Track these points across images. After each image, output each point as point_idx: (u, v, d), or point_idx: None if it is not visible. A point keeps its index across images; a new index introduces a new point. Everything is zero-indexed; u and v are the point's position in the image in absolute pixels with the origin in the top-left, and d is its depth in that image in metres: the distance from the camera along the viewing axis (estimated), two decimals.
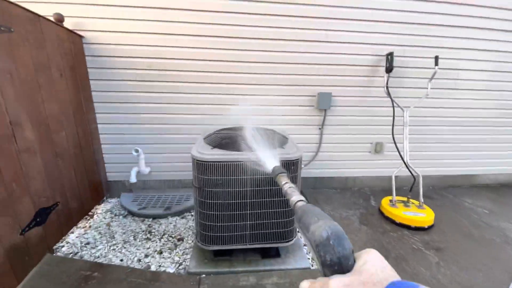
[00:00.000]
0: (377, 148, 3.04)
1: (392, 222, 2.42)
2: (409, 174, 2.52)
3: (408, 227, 2.35)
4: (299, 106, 2.78)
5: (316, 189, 3.10)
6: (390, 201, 2.60)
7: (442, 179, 3.31)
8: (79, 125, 2.24)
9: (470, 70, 2.90)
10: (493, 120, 3.14)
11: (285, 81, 2.67)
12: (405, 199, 2.61)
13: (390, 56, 2.67)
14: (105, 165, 2.68)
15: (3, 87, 1.47)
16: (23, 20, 1.64)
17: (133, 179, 2.58)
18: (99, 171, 2.59)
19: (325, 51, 2.64)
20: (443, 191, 3.22)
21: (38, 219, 1.72)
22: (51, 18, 1.97)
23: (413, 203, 2.57)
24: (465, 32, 2.76)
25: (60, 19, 2.05)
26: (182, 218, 2.47)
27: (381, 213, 2.58)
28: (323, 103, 2.73)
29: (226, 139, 1.72)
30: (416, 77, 2.83)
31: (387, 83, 2.67)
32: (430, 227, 2.36)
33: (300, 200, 0.55)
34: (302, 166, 2.19)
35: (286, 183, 0.68)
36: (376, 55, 2.73)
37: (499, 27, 2.79)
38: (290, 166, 1.56)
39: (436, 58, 2.61)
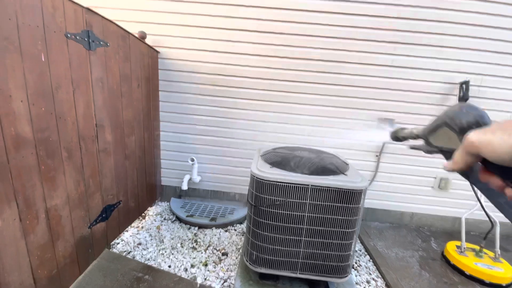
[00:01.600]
0: (442, 184, 2.72)
1: (461, 272, 2.09)
2: (480, 218, 2.18)
3: (480, 282, 2.01)
4: (358, 130, 2.65)
5: (367, 221, 2.87)
6: (458, 247, 2.27)
7: None
8: (146, 130, 2.43)
9: None
10: None
11: (345, 104, 2.59)
12: (477, 247, 2.25)
13: (465, 85, 2.43)
14: (161, 169, 2.85)
15: (95, 94, 1.66)
16: (117, 36, 1.86)
17: (184, 186, 2.69)
18: (156, 175, 2.75)
19: (390, 75, 2.50)
20: None
21: (104, 215, 1.86)
22: (136, 35, 2.22)
23: (486, 253, 2.21)
24: None
25: (143, 36, 2.30)
26: (226, 231, 2.46)
27: (446, 260, 2.25)
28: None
29: (285, 158, 1.69)
30: (495, 110, 2.52)
31: None
32: (508, 286, 1.99)
33: None
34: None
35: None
36: (447, 82, 2.51)
37: None
38: (353, 197, 1.45)
39: None
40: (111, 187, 1.94)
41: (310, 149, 1.98)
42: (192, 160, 2.60)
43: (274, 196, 1.48)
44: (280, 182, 1.45)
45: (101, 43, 1.68)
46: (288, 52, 2.49)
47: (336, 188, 1.43)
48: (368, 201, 2.80)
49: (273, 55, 2.51)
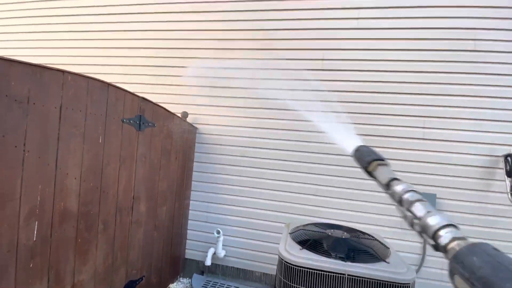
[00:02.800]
0: None
1: None
2: None
3: None
4: (393, 204, 2.46)
5: None
6: None
7: None
8: (177, 200, 2.50)
9: None
10: None
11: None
12: None
13: (510, 158, 2.26)
14: (187, 241, 2.79)
15: (137, 168, 1.82)
16: (163, 117, 2.14)
17: (208, 261, 2.55)
18: (181, 246, 2.69)
19: (422, 148, 2.44)
20: None
21: None
22: (179, 115, 2.53)
23: None
24: None
25: (185, 115, 2.61)
26: None
27: None
28: None
29: (317, 238, 1.58)
30: None
31: (511, 189, 2.17)
32: None
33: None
34: None
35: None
36: (490, 155, 2.35)
37: None
38: None
39: None
40: (137, 260, 1.91)
41: (344, 227, 1.85)
42: (218, 232, 2.54)
43: (306, 286, 1.32)
44: (313, 269, 1.32)
45: (149, 124, 1.93)
46: (308, 126, 2.61)
47: (377, 280, 1.26)
48: None
49: (295, 129, 2.64)
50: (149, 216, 2.03)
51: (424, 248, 2.37)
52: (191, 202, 2.79)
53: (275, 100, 2.68)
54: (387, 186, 0.62)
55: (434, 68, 2.46)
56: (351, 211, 2.54)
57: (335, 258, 1.42)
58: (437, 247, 0.43)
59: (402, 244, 2.43)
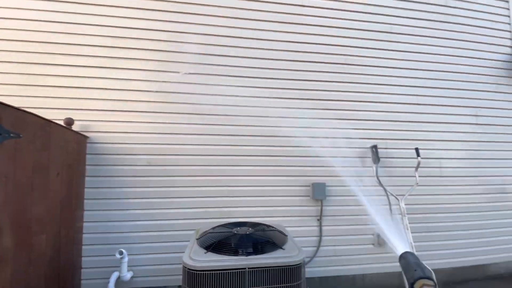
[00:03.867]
0: (380, 240, 2.87)
1: None
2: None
3: None
4: (295, 196, 2.77)
5: None
6: None
7: (453, 273, 3.01)
8: (64, 224, 2.09)
9: (449, 159, 3.11)
10: (487, 205, 3.15)
11: (281, 172, 2.75)
12: None
13: (374, 148, 2.88)
14: (82, 270, 2.36)
15: None
16: (34, 126, 1.75)
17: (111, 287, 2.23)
18: (73, 278, 2.26)
19: (316, 144, 2.84)
20: (459, 286, 2.89)
21: None
22: (61, 122, 2.13)
23: None
24: (442, 127, 3.11)
25: (70, 122, 2.22)
26: None
27: None
28: (318, 193, 2.74)
29: (223, 239, 1.61)
30: (400, 166, 2.98)
31: (376, 173, 2.78)
32: None
33: None
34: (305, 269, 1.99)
35: None
36: (362, 147, 2.94)
37: (465, 120, 3.18)
38: (292, 273, 1.40)
39: (416, 149, 2.82)
40: None
41: (249, 223, 1.95)
42: (121, 253, 2.25)
43: None
44: (215, 271, 1.33)
45: (11, 135, 1.55)
46: (223, 130, 2.68)
47: (273, 267, 1.37)
48: (321, 270, 2.73)
49: (210, 133, 2.65)
50: (20, 250, 1.62)
51: (320, 231, 2.76)
52: (84, 224, 2.38)
53: (184, 104, 2.61)
54: None
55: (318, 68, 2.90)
56: (262, 207, 2.71)
57: (241, 254, 1.47)
58: None
59: (306, 229, 2.75)
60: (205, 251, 1.50)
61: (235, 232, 1.72)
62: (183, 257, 1.43)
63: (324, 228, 2.77)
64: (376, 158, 2.88)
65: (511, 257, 3.20)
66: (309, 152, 2.81)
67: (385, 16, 3.14)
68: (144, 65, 2.60)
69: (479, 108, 3.23)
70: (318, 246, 2.72)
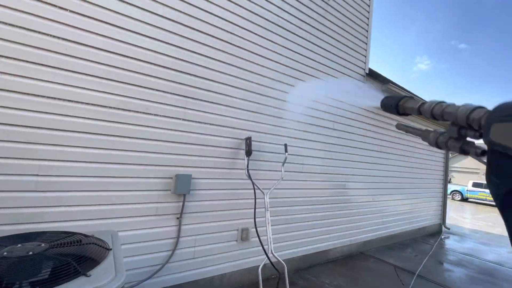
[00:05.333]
0: (243, 235, 2.76)
1: None
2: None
3: None
4: (152, 190, 2.21)
5: None
6: None
7: (303, 260, 3.35)
8: None
9: (310, 157, 3.42)
10: (331, 199, 3.70)
11: (134, 160, 2.11)
12: None
13: (248, 140, 2.73)
14: None
15: None
16: None
17: None
18: None
19: (184, 129, 2.37)
20: (306, 273, 3.21)
21: None
22: None
23: None
24: (303, 126, 3.33)
25: None
26: None
27: None
28: (182, 187, 2.29)
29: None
30: (272, 161, 3.00)
31: (247, 166, 2.63)
32: None
33: None
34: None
35: None
36: (237, 138, 2.73)
37: (325, 125, 3.58)
38: None
39: (285, 145, 2.90)
40: None
41: (49, 233, 1.25)
42: None
43: None
44: None
45: None
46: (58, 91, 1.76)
47: None
48: (176, 276, 2.30)
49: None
50: None
51: (178, 232, 2.33)
52: None
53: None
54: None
55: (195, 48, 2.44)
56: (105, 205, 1.99)
57: None
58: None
59: (161, 231, 2.25)
60: None
61: (5, 254, 1.01)
62: None
63: (184, 227, 2.36)
64: (249, 150, 2.74)
65: (344, 243, 3.92)
66: (174, 137, 2.32)
67: (270, 11, 3.06)
68: None
69: (336, 116, 3.73)
70: (174, 250, 2.28)
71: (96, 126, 1.96)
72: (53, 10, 1.79)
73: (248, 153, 2.70)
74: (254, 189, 2.55)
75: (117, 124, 2.05)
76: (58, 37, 1.81)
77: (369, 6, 4.28)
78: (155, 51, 2.21)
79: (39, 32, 1.74)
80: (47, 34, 1.77)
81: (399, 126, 0.68)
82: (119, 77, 2.05)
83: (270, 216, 2.57)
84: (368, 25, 4.25)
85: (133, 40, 2.10)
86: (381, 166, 4.55)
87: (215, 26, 2.55)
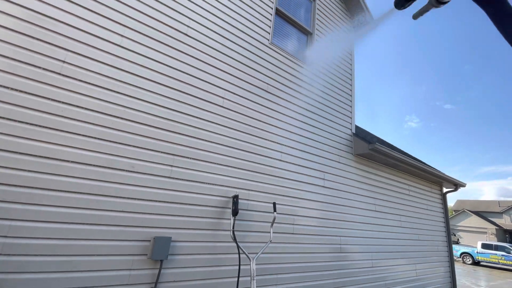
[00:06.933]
0: None
1: None
2: None
3: None
4: (126, 255, 2.03)
5: None
6: None
7: None
8: None
9: (304, 216, 3.27)
10: (325, 265, 3.38)
11: (110, 220, 2.00)
12: None
13: (235, 199, 2.65)
14: None
15: None
16: None
17: None
18: None
19: (170, 187, 2.32)
20: None
21: None
22: None
23: None
24: (297, 184, 3.28)
25: None
26: None
27: None
28: (159, 252, 2.11)
29: None
30: (260, 221, 2.85)
31: (233, 227, 2.49)
32: None
33: None
34: None
35: None
36: (224, 196, 2.66)
37: (315, 182, 3.53)
38: None
39: (274, 204, 2.80)
40: None
41: None
42: None
43: None
44: None
45: None
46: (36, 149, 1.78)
47: None
48: None
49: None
50: None
51: None
52: None
53: None
54: None
55: (183, 109, 2.57)
56: (64, 272, 1.79)
57: None
58: None
59: None
60: None
61: None
62: None
63: None
64: (235, 209, 2.63)
65: None
66: (158, 196, 2.25)
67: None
68: None
69: (326, 173, 3.72)
70: None
71: (77, 184, 1.92)
72: (46, 74, 1.94)
73: (235, 212, 2.58)
74: (239, 253, 2.36)
75: (101, 183, 2.01)
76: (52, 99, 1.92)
77: (351, 75, 4.73)
78: (146, 112, 2.32)
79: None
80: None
81: (415, 16, 0.89)
82: (108, 136, 2.11)
83: (257, 287, 2.32)
84: (351, 90, 4.63)
85: (125, 103, 2.23)
86: (379, 227, 4.33)
87: (208, 92, 2.75)
